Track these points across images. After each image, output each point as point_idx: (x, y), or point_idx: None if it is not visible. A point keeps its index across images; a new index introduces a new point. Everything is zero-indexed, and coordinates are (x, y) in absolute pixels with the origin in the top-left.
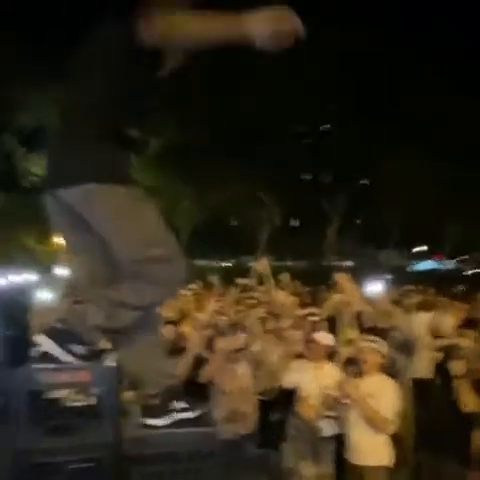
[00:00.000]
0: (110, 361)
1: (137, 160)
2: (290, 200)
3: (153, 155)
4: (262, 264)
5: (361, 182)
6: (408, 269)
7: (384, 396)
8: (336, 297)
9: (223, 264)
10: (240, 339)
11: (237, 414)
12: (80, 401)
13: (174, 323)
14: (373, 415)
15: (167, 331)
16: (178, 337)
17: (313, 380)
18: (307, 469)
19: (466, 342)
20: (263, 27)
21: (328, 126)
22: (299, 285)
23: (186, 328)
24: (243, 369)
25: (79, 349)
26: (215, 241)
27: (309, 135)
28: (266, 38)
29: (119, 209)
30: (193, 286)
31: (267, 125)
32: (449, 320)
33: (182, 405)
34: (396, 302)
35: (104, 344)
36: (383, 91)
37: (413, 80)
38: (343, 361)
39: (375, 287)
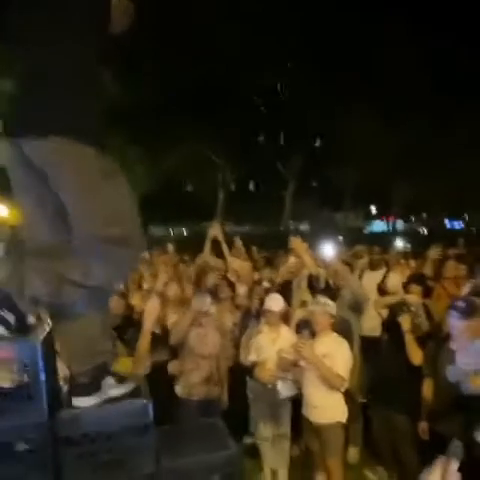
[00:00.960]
0: (38, 336)
1: None
2: (246, 163)
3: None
4: (215, 229)
5: (316, 144)
6: (363, 230)
7: (337, 355)
8: (291, 261)
9: (179, 230)
10: (206, 302)
11: (212, 378)
12: (4, 380)
13: (123, 295)
14: (328, 374)
15: (115, 304)
16: (127, 310)
17: (269, 344)
18: (266, 430)
19: (413, 298)
20: None
21: (281, 86)
22: (255, 250)
23: (136, 301)
24: (212, 333)
25: (10, 319)
26: (170, 207)
27: (263, 95)
28: None
29: (88, 177)
30: (145, 255)
31: (221, 85)
32: (396, 277)
33: (112, 381)
34: (347, 263)
35: (39, 318)
36: (339, 50)
37: (370, 40)
38: (296, 323)
39: (330, 249)
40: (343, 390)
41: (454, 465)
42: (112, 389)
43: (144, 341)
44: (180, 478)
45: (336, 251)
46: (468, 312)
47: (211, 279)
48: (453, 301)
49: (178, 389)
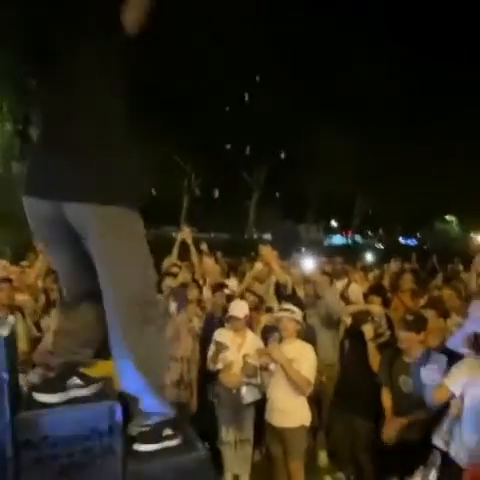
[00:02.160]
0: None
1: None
2: (211, 170)
3: None
4: (185, 232)
5: (281, 155)
6: (323, 243)
7: (304, 360)
8: (257, 267)
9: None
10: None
11: (182, 381)
12: None
13: None
14: (297, 377)
15: None
16: None
17: (234, 349)
18: (229, 435)
19: (377, 308)
20: None
21: (249, 96)
22: (220, 256)
23: None
24: (184, 336)
25: None
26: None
27: (230, 103)
28: None
29: (130, 243)
30: None
31: (189, 92)
32: (357, 288)
33: (78, 381)
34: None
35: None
36: (306, 62)
37: (336, 52)
38: (261, 329)
39: (311, 261)
40: (308, 394)
41: (432, 474)
42: (77, 389)
43: None
44: None
45: (301, 261)
46: (416, 326)
47: (180, 279)
48: (403, 315)
49: None
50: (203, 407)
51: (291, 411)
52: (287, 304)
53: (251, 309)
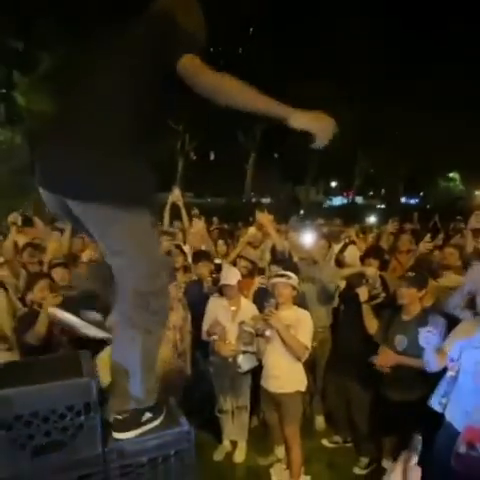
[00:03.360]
0: None
1: (24, 79)
2: (206, 131)
3: (44, 75)
4: (175, 195)
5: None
6: (324, 205)
7: (301, 326)
8: (251, 231)
9: None
10: None
11: (175, 350)
12: None
13: (64, 265)
14: (294, 343)
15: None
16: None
17: (229, 317)
18: (226, 403)
19: (371, 270)
20: (303, 123)
21: (243, 51)
22: (215, 222)
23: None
24: (176, 305)
25: None
26: None
27: (224, 60)
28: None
29: (138, 238)
30: None
31: None
32: (354, 250)
33: (150, 415)
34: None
35: None
36: (299, 20)
37: (323, 11)
38: (254, 291)
39: (292, 222)
40: (304, 360)
41: (414, 459)
42: (150, 423)
43: None
44: (130, 458)
45: (299, 224)
46: (418, 282)
47: (164, 245)
48: (404, 272)
49: None
50: (198, 376)
51: (287, 377)
52: (283, 270)
53: (244, 275)
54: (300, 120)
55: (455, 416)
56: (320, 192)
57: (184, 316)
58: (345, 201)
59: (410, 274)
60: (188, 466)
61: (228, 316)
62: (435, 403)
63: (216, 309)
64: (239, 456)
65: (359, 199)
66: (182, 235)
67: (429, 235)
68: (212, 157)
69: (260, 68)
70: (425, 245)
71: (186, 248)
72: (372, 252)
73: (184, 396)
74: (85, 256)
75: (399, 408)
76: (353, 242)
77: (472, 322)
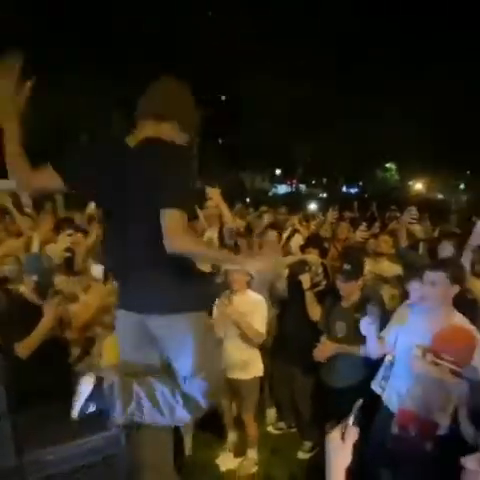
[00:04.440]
0: None
1: None
2: None
3: None
4: None
5: (222, 98)
6: (269, 192)
7: (256, 312)
8: (210, 205)
9: None
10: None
11: None
12: None
13: None
14: (250, 331)
15: None
16: None
17: None
18: None
19: (313, 257)
20: (256, 267)
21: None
22: None
23: None
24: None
25: None
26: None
27: (173, 41)
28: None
29: (203, 343)
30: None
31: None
32: (299, 239)
33: None
34: (252, 223)
35: None
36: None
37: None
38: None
39: (238, 209)
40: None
41: (351, 419)
42: None
43: None
44: (49, 469)
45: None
46: (355, 274)
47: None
48: (340, 264)
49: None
50: None
51: (245, 363)
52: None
53: None
54: (253, 266)
55: (390, 399)
56: (266, 180)
57: None
58: (289, 189)
59: (346, 267)
60: (118, 471)
61: None
62: (376, 386)
63: None
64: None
65: (302, 187)
66: None
67: (365, 224)
68: None
69: (212, 50)
70: (361, 233)
71: None
72: (312, 240)
73: None
74: None
75: (338, 394)
76: (297, 230)
77: (406, 307)
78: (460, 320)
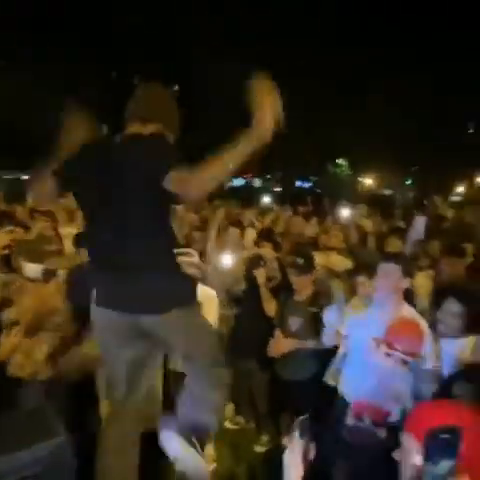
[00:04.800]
0: None
1: None
2: (96, 102)
3: None
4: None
5: (174, 87)
6: (223, 185)
7: (206, 305)
8: None
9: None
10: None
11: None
12: None
13: None
14: None
15: None
16: None
17: None
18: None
19: (267, 252)
20: (271, 119)
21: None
22: None
23: None
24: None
25: None
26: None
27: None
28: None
29: (193, 328)
30: None
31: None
32: (253, 233)
33: None
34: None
35: None
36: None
37: None
38: None
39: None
40: None
41: (296, 434)
42: None
43: None
44: None
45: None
46: (307, 268)
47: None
48: (293, 259)
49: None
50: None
51: None
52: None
53: None
54: (269, 126)
55: (345, 390)
56: None
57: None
58: (244, 183)
59: (299, 261)
60: None
61: None
62: (329, 378)
63: None
64: None
65: (257, 182)
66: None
67: (316, 219)
68: (103, 129)
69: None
70: (311, 228)
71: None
72: (265, 235)
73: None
74: None
75: (294, 387)
76: (252, 225)
77: (359, 300)
78: (409, 312)
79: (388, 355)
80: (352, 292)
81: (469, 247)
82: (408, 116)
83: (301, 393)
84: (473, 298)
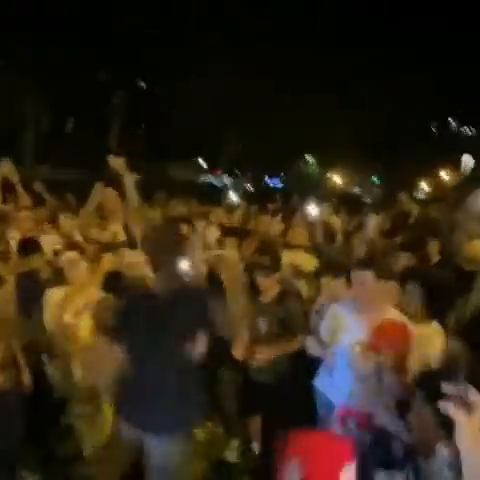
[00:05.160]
0: None
1: None
2: (63, 98)
3: None
4: (5, 168)
5: (141, 84)
6: (193, 183)
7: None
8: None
9: None
10: None
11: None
12: None
13: None
14: None
15: None
16: None
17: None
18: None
19: (229, 252)
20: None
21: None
22: (71, 198)
23: None
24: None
25: None
26: None
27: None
28: None
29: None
30: None
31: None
32: (213, 231)
33: None
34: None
35: None
36: None
37: None
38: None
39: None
40: None
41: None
42: None
43: None
44: None
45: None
46: (274, 267)
47: None
48: (259, 259)
49: None
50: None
51: None
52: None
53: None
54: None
55: (334, 396)
56: (189, 170)
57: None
58: (214, 180)
59: (264, 261)
60: None
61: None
62: (319, 383)
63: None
64: None
65: (226, 179)
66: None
67: (280, 216)
68: (70, 127)
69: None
70: (277, 226)
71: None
72: (228, 233)
73: None
74: None
75: (263, 389)
76: (218, 223)
77: (337, 308)
78: (393, 314)
79: (374, 359)
80: (317, 292)
81: (435, 244)
82: (377, 114)
83: (276, 395)
84: None
